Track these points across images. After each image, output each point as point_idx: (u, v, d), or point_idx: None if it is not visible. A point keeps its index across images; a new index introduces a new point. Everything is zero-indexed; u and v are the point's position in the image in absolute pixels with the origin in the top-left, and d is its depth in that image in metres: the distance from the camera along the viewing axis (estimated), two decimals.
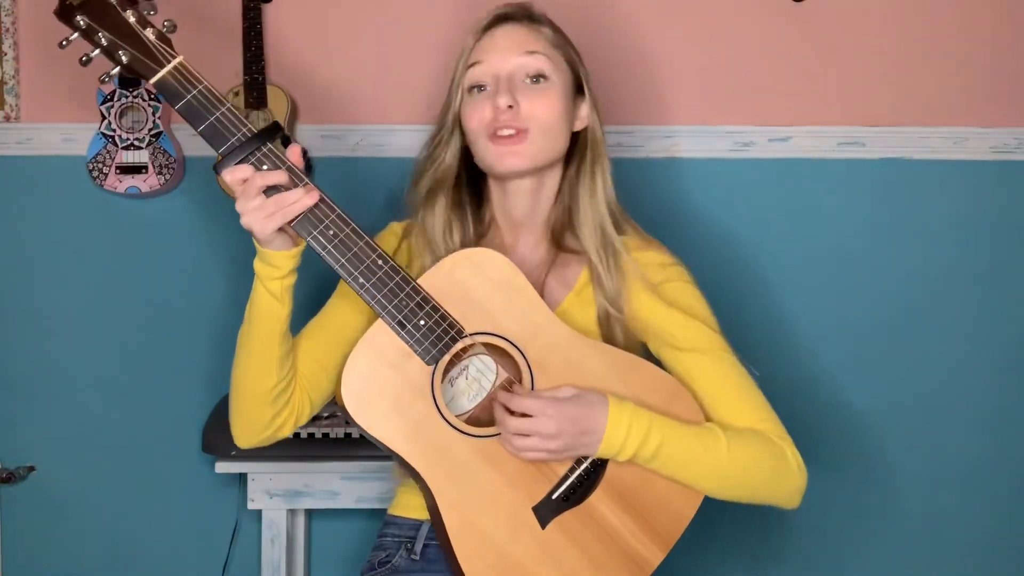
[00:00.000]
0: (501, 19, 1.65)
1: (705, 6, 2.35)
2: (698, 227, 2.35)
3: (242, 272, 2.36)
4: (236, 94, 2.30)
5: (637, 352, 1.64)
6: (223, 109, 1.43)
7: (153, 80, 1.43)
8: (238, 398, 1.59)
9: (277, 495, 2.19)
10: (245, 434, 1.61)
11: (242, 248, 2.33)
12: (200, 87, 1.43)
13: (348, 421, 1.54)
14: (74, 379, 2.40)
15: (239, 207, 1.44)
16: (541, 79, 1.62)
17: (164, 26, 1.45)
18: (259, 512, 2.24)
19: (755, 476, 1.58)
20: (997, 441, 2.41)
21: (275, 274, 1.49)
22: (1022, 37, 2.37)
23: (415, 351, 1.48)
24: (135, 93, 2.31)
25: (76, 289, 2.40)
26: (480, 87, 1.62)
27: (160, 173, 2.32)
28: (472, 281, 1.52)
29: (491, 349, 1.54)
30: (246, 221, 1.44)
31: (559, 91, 1.63)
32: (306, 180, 1.45)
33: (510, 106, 1.58)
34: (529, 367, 1.53)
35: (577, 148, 1.69)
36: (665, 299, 1.64)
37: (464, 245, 1.65)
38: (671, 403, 1.57)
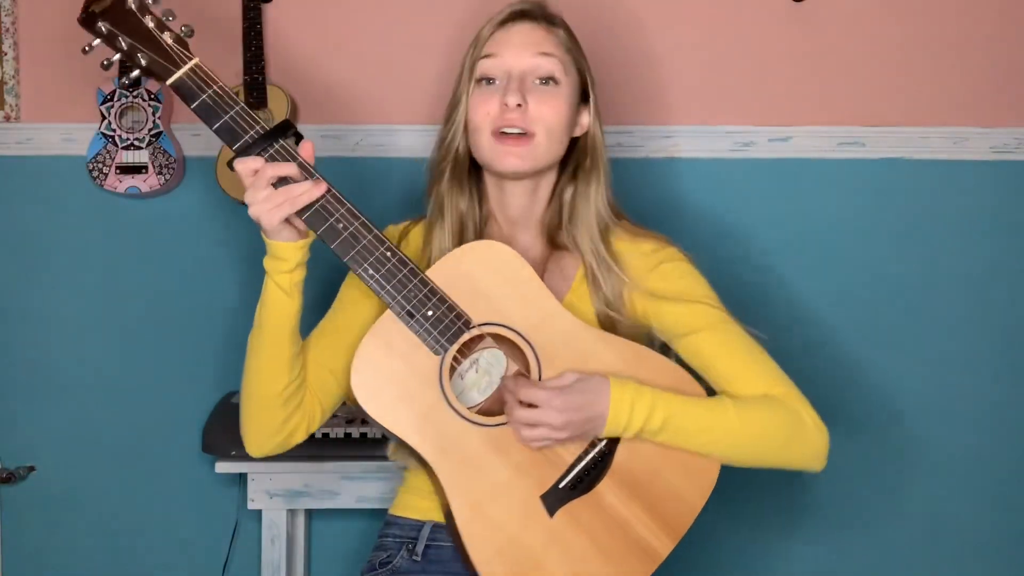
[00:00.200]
0: (519, 15, 1.65)
1: (705, 6, 2.35)
2: (698, 227, 2.35)
3: (242, 272, 2.38)
4: (236, 94, 2.29)
5: (641, 342, 1.65)
6: (237, 108, 1.48)
7: (171, 81, 1.47)
8: (249, 402, 1.59)
9: (277, 495, 2.19)
10: (257, 440, 1.61)
11: (242, 248, 2.36)
12: (215, 87, 1.48)
13: (358, 413, 1.55)
14: (74, 379, 2.40)
15: (248, 198, 1.46)
16: (551, 82, 1.63)
17: (182, 31, 1.50)
18: (259, 512, 2.24)
19: (769, 440, 1.60)
20: (997, 441, 2.41)
21: (283, 267, 1.50)
22: (1022, 37, 2.37)
23: (423, 341, 1.51)
24: (135, 93, 2.31)
25: (76, 289, 2.40)
26: (490, 80, 1.63)
27: (160, 173, 2.32)
28: (479, 273, 1.54)
29: (500, 341, 1.56)
30: (254, 211, 1.46)
31: (566, 96, 1.64)
32: (316, 174, 1.48)
33: (519, 105, 1.59)
34: (536, 357, 1.55)
35: (575, 153, 1.70)
36: (659, 287, 1.65)
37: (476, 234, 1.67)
38: (675, 388, 1.59)
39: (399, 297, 1.50)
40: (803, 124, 2.37)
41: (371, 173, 2.35)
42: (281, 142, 1.48)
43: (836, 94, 2.37)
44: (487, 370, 1.57)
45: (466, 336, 1.52)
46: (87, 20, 1.48)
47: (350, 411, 2.16)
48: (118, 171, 2.31)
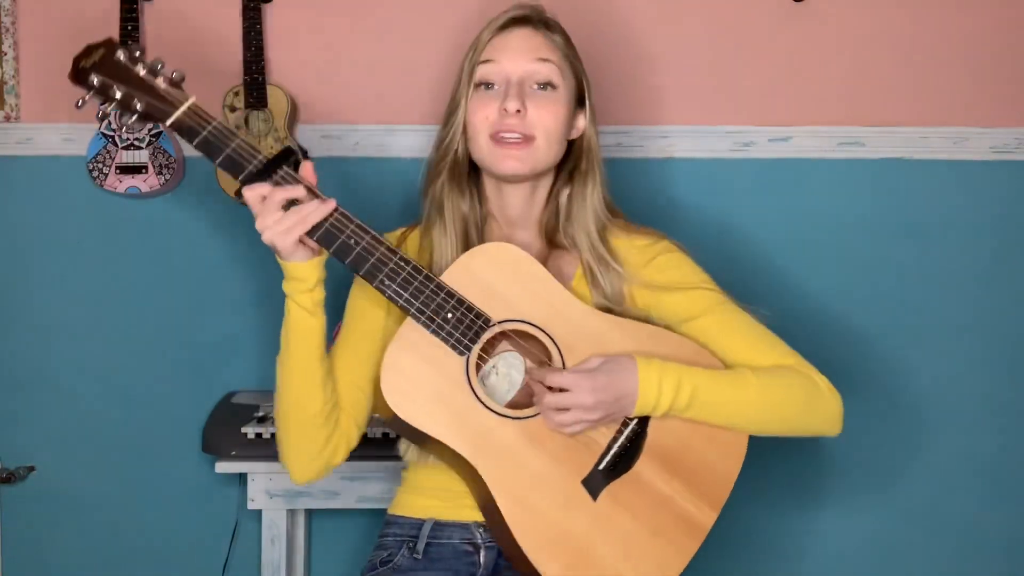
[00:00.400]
0: (518, 21, 1.68)
1: (705, 6, 2.35)
2: (698, 227, 2.35)
3: (242, 272, 2.38)
4: (236, 94, 2.30)
5: None
6: (238, 140, 1.50)
7: (169, 121, 1.50)
8: (287, 428, 1.61)
9: (277, 495, 2.19)
10: (300, 464, 1.63)
11: (242, 248, 2.35)
12: (214, 123, 1.50)
13: (390, 426, 1.60)
14: (74, 379, 2.40)
15: (259, 225, 1.48)
16: (549, 87, 1.66)
17: (173, 76, 1.51)
18: (259, 512, 2.23)
19: (790, 406, 1.64)
20: (997, 441, 2.41)
21: (304, 287, 1.53)
22: (1022, 37, 2.37)
23: (447, 344, 1.54)
24: None
25: (76, 289, 2.39)
26: (488, 85, 1.65)
27: (160, 173, 2.32)
28: (490, 273, 1.58)
29: (514, 342, 1.60)
30: (268, 236, 1.48)
31: (564, 100, 1.67)
32: (321, 195, 1.51)
33: (518, 110, 1.62)
34: (558, 347, 1.58)
35: (571, 155, 1.73)
36: (657, 279, 1.69)
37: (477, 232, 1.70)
38: (694, 363, 1.62)
39: (418, 304, 1.53)
40: (803, 124, 2.37)
41: (371, 173, 2.35)
42: (285, 168, 1.50)
43: (836, 94, 2.37)
44: (507, 373, 1.61)
45: (488, 334, 1.56)
46: (79, 76, 1.49)
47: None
48: (118, 171, 2.31)
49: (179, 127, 1.50)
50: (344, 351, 1.65)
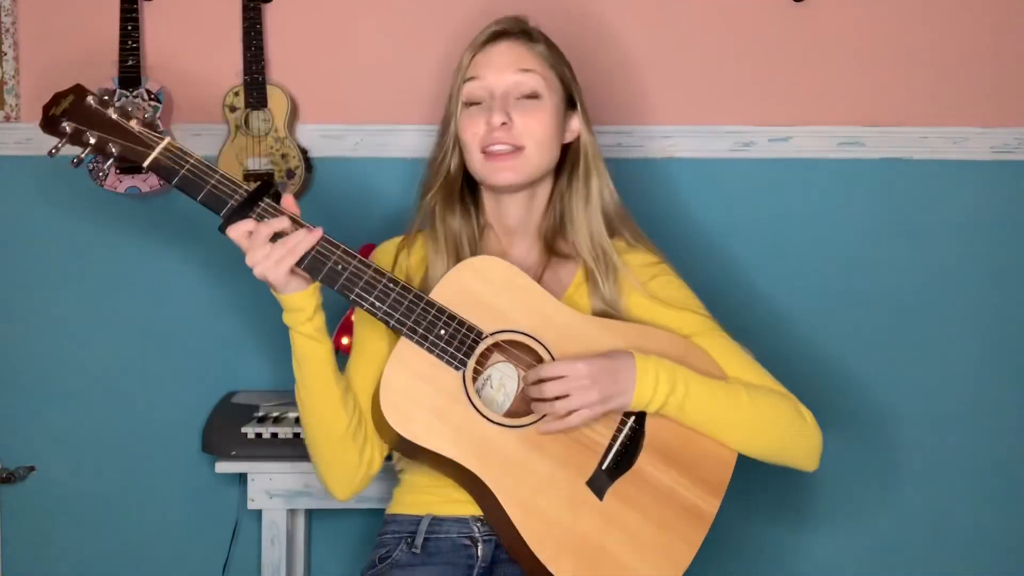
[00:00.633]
0: (498, 36, 1.70)
1: (705, 6, 2.35)
2: (697, 227, 2.36)
3: (242, 272, 2.37)
4: (236, 94, 2.30)
5: None
6: (217, 176, 1.50)
7: (146, 163, 1.50)
8: (320, 451, 1.64)
9: (277, 495, 2.19)
10: (342, 484, 1.66)
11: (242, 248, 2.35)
12: (191, 161, 1.50)
13: (401, 449, 1.62)
14: (74, 379, 2.40)
15: (249, 260, 1.49)
16: (534, 97, 1.68)
17: (145, 117, 1.52)
18: (259, 512, 2.23)
19: (777, 428, 1.65)
20: (998, 440, 2.41)
21: (303, 317, 1.54)
22: (1022, 37, 2.37)
23: (442, 359, 1.56)
24: (135, 93, 2.31)
25: (76, 289, 2.39)
26: (475, 102, 1.68)
27: None
28: (478, 287, 1.59)
29: (507, 352, 1.61)
30: (259, 271, 1.49)
31: (551, 108, 1.69)
32: (305, 224, 1.52)
33: (504, 123, 1.64)
34: (550, 353, 1.60)
35: (568, 159, 1.75)
36: (656, 294, 1.71)
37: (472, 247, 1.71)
38: (685, 358, 1.64)
39: (410, 323, 1.54)
40: (803, 124, 2.37)
41: (371, 173, 2.35)
42: (266, 200, 1.51)
43: (836, 94, 2.37)
44: (501, 383, 1.62)
45: (481, 346, 1.57)
46: (49, 124, 1.50)
47: None
48: (118, 171, 2.31)
49: (156, 168, 1.50)
50: (361, 363, 1.67)
